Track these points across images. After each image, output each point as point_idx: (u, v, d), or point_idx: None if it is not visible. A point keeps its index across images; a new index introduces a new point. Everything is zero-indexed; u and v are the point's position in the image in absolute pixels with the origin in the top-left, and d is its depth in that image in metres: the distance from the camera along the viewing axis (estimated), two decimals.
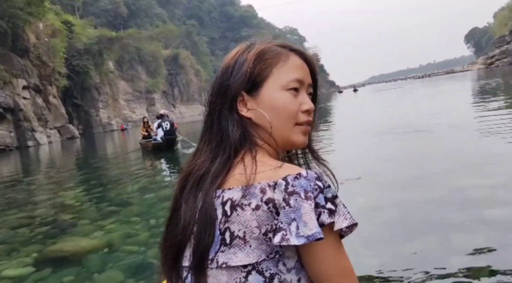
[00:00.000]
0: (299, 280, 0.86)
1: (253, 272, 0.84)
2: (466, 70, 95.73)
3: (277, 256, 0.84)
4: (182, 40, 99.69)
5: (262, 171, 0.88)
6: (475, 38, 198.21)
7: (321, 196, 0.83)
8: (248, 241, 0.84)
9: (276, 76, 0.97)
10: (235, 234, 0.85)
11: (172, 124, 15.18)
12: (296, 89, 0.97)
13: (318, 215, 0.82)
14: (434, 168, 6.11)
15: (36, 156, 24.72)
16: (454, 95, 22.31)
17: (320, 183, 0.85)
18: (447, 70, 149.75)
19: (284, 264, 0.85)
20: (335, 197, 0.85)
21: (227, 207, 0.86)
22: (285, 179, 0.84)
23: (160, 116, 15.94)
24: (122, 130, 54.89)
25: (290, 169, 0.87)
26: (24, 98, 37.90)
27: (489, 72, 57.45)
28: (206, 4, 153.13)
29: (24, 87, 37.98)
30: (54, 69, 44.29)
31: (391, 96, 34.23)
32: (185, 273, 0.92)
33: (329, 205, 0.83)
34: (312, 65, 1.05)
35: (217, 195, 0.89)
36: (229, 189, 0.88)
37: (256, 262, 0.83)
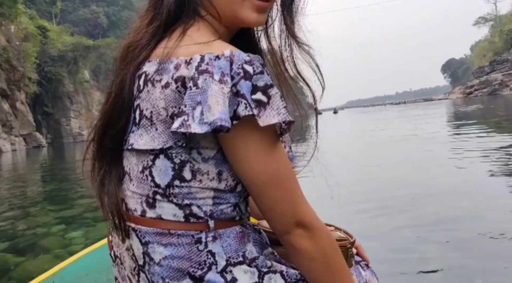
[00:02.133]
0: (219, 173, 0.77)
1: (161, 156, 0.76)
2: (445, 99, 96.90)
3: (187, 143, 0.74)
4: None
5: (186, 45, 0.76)
6: (452, 68, 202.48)
7: (245, 82, 0.70)
8: (154, 123, 0.75)
9: None
10: (143, 114, 0.76)
11: None
12: None
13: (237, 106, 0.70)
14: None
15: None
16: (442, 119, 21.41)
17: (249, 68, 0.71)
18: (426, 98, 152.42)
19: (199, 153, 0.75)
20: (269, 86, 0.72)
21: (141, 81, 0.77)
22: (203, 55, 0.72)
23: None
24: None
25: (217, 47, 0.74)
26: None
27: (469, 101, 57.57)
28: None
29: None
30: (24, 74, 42.28)
31: (377, 118, 33.31)
32: (108, 156, 0.85)
33: (258, 95, 0.71)
34: None
35: (140, 68, 0.79)
36: (149, 61, 0.78)
37: (163, 149, 0.75)
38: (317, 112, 0.90)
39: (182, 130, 0.69)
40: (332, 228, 1.05)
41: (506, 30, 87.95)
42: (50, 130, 53.66)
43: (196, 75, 0.70)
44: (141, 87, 0.77)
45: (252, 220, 0.99)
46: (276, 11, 0.89)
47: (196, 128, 0.68)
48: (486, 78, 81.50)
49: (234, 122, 0.69)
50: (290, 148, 0.87)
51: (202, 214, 0.77)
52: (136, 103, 0.78)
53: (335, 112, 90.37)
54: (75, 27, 73.95)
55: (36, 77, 45.80)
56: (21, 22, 42.68)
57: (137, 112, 0.77)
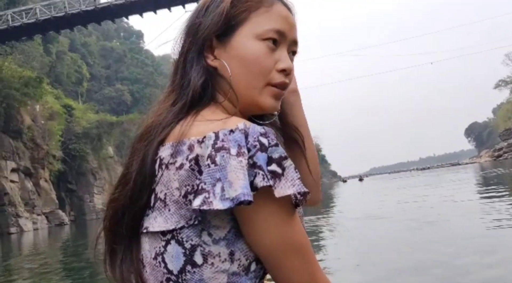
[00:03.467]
0: (231, 253, 0.75)
1: (172, 242, 0.75)
2: (473, 163, 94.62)
3: (198, 223, 0.74)
4: None
5: (197, 126, 0.77)
6: (475, 132, 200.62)
7: (261, 155, 0.72)
8: (167, 204, 0.76)
9: (253, 22, 0.85)
10: (158, 196, 0.77)
11: None
12: (274, 42, 0.85)
13: (254, 177, 0.71)
14: None
15: (12, 245, 22.02)
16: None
17: (264, 140, 0.73)
18: (453, 163, 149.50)
19: (210, 234, 0.74)
20: (283, 158, 0.73)
21: (156, 166, 0.78)
22: (217, 132, 0.73)
23: None
24: None
25: (231, 123, 0.75)
26: (12, 181, 35.85)
27: (499, 164, 55.82)
28: None
29: (13, 170, 36.04)
30: (48, 152, 42.55)
31: (409, 184, 31.94)
32: (127, 238, 0.83)
33: (273, 167, 0.72)
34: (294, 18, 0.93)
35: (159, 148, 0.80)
36: (162, 145, 0.79)
37: (175, 230, 0.75)
38: None
39: (205, 207, 0.69)
40: None
41: None
42: (74, 207, 53.21)
43: (214, 153, 0.71)
44: (156, 172, 0.77)
45: None
46: None
47: (218, 204, 0.69)
48: None
49: (253, 193, 0.70)
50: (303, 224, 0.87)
51: None
52: (152, 187, 0.78)
53: (360, 180, 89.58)
54: (100, 105, 75.95)
55: (61, 155, 46.10)
56: (47, 102, 43.67)
57: (152, 196, 0.78)
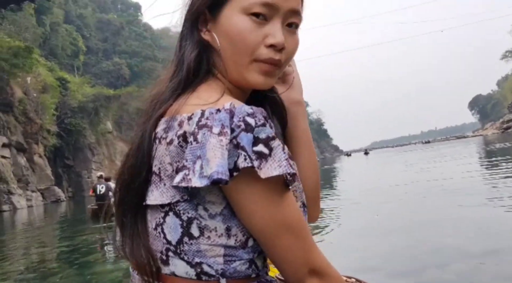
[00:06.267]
0: (228, 229, 0.76)
1: (171, 213, 0.77)
2: (479, 135, 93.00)
3: (193, 198, 0.75)
4: None
5: (191, 103, 0.78)
6: (480, 105, 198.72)
7: (245, 135, 0.70)
8: (162, 179, 0.78)
9: None
10: (153, 170, 0.79)
11: (108, 188, 13.79)
12: (261, 16, 0.80)
13: (238, 157, 0.70)
14: None
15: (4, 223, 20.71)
16: None
17: (251, 120, 0.71)
18: (458, 135, 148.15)
19: (206, 209, 0.76)
20: (271, 138, 0.72)
21: (152, 140, 0.81)
22: (203, 110, 0.74)
23: (97, 178, 14.93)
24: None
25: (220, 102, 0.75)
26: (3, 157, 34.15)
27: (508, 137, 54.15)
28: None
29: (4, 145, 34.33)
30: (42, 127, 40.75)
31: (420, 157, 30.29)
32: (133, 211, 0.84)
33: (259, 147, 0.71)
34: None
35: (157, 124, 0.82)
36: (158, 119, 0.81)
37: (171, 203, 0.77)
38: None
39: (183, 184, 0.71)
40: (353, 280, 1.03)
41: None
42: (71, 183, 51.81)
43: (196, 130, 0.71)
44: (152, 147, 0.80)
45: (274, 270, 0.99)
46: None
47: (196, 182, 0.69)
48: None
49: (235, 173, 0.70)
50: (303, 204, 0.86)
51: (213, 273, 0.76)
52: (150, 162, 0.80)
53: (366, 153, 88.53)
54: (98, 79, 73.77)
55: (56, 129, 44.33)
56: (39, 74, 41.70)
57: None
